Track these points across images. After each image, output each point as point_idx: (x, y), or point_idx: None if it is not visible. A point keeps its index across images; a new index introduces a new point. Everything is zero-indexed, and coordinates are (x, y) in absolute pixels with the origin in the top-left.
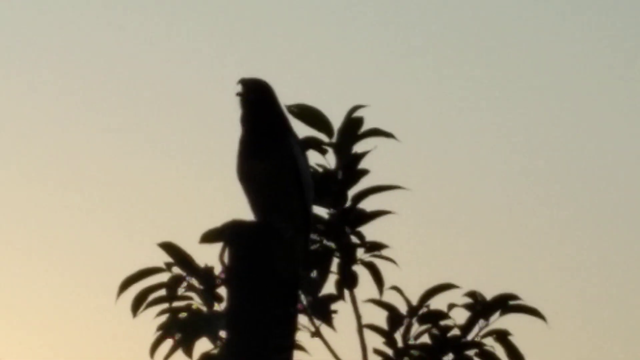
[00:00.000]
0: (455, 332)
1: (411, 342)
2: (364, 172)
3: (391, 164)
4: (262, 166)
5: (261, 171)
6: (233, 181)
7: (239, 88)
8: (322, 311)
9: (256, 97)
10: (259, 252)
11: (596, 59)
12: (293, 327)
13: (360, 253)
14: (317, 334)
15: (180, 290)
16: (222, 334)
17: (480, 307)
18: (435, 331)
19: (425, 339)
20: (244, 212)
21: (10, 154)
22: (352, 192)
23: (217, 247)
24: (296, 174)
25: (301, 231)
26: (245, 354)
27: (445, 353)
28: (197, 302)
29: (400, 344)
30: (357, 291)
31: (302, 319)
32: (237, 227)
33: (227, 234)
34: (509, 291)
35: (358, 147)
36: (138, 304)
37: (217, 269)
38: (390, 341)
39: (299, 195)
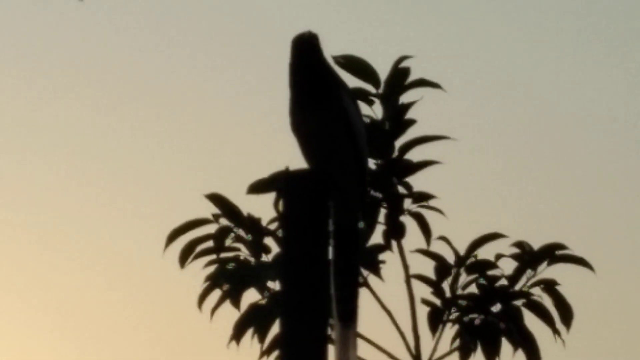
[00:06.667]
0: (503, 282)
1: (459, 292)
2: (411, 123)
3: (438, 114)
4: (314, 118)
5: (314, 123)
6: (279, 132)
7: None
8: (370, 261)
9: (316, 46)
10: (315, 199)
11: None
12: (355, 277)
13: (407, 203)
14: (364, 284)
15: (228, 242)
16: (270, 284)
17: (528, 257)
18: (482, 281)
19: (473, 288)
20: (290, 162)
21: (48, 118)
22: (399, 143)
23: (265, 197)
24: (348, 125)
25: (356, 181)
26: (299, 304)
27: (492, 303)
28: (244, 253)
29: (447, 293)
30: (405, 241)
31: None
32: (291, 176)
33: (281, 183)
34: (556, 241)
35: (405, 98)
36: (186, 255)
37: (265, 220)
38: (437, 291)
39: (352, 146)
